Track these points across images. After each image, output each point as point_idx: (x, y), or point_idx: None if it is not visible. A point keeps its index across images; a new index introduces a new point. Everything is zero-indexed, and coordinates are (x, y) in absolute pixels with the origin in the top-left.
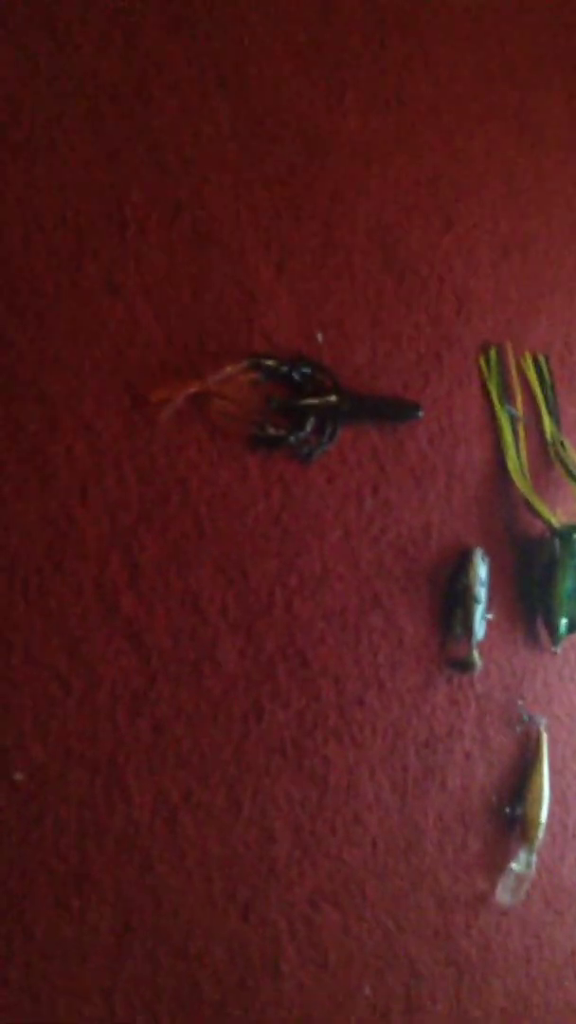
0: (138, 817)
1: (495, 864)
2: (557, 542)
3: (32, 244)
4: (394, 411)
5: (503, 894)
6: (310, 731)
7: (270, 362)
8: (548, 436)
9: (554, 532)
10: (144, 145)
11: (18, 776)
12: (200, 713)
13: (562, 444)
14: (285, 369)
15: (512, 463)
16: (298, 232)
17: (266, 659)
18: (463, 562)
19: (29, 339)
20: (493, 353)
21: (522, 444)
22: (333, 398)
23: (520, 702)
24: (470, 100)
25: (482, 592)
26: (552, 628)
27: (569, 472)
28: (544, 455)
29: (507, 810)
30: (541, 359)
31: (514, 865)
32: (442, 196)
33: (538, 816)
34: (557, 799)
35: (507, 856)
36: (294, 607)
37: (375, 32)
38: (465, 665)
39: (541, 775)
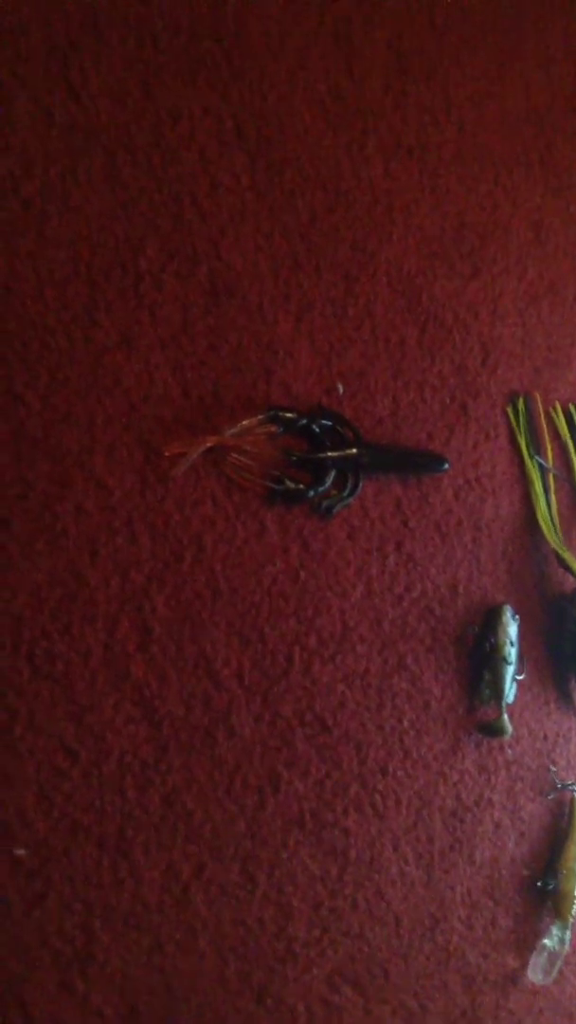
0: (147, 894)
1: (526, 941)
2: None
3: (45, 298)
4: (418, 463)
5: (535, 973)
6: (330, 802)
7: (289, 414)
8: None
9: None
10: (160, 197)
11: (20, 851)
12: (213, 783)
13: None
14: (304, 421)
15: (542, 516)
16: (318, 282)
17: (283, 725)
18: (492, 621)
19: (40, 395)
20: (521, 403)
21: (552, 497)
22: (354, 450)
23: (552, 768)
24: (495, 146)
25: (512, 652)
26: None
27: None
28: (575, 508)
29: (539, 883)
30: (572, 409)
31: (547, 941)
32: (467, 243)
33: (572, 890)
34: None
35: (539, 932)
36: (313, 670)
37: (397, 80)
38: (494, 730)
39: (575, 846)
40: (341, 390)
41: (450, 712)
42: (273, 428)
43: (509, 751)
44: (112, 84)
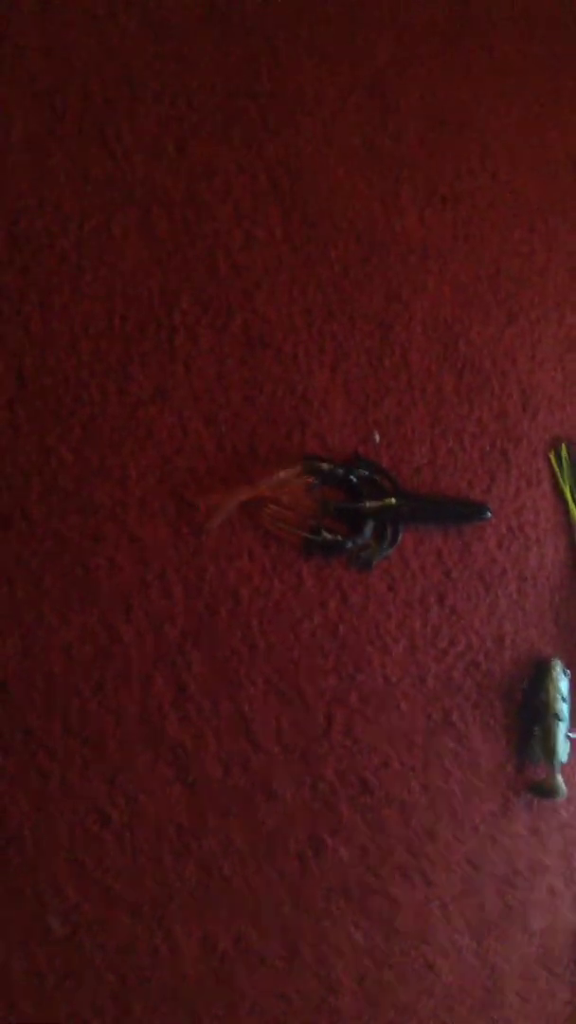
0: (184, 966)
1: None
2: None
3: (79, 351)
4: (459, 513)
5: None
6: (375, 868)
7: (325, 465)
8: None
9: None
10: (195, 251)
11: (53, 921)
12: (252, 850)
13: None
14: (341, 471)
15: None
16: (353, 332)
17: (325, 788)
18: (541, 675)
19: (73, 448)
20: (564, 449)
21: None
22: (393, 500)
23: None
24: (530, 193)
25: (564, 708)
26: None
27: None
28: None
29: None
30: None
31: None
32: (503, 290)
33: None
34: None
35: None
36: (355, 729)
37: (431, 131)
38: (547, 790)
39: None
40: (377, 439)
41: (499, 772)
42: (309, 479)
43: (563, 812)
44: (147, 141)
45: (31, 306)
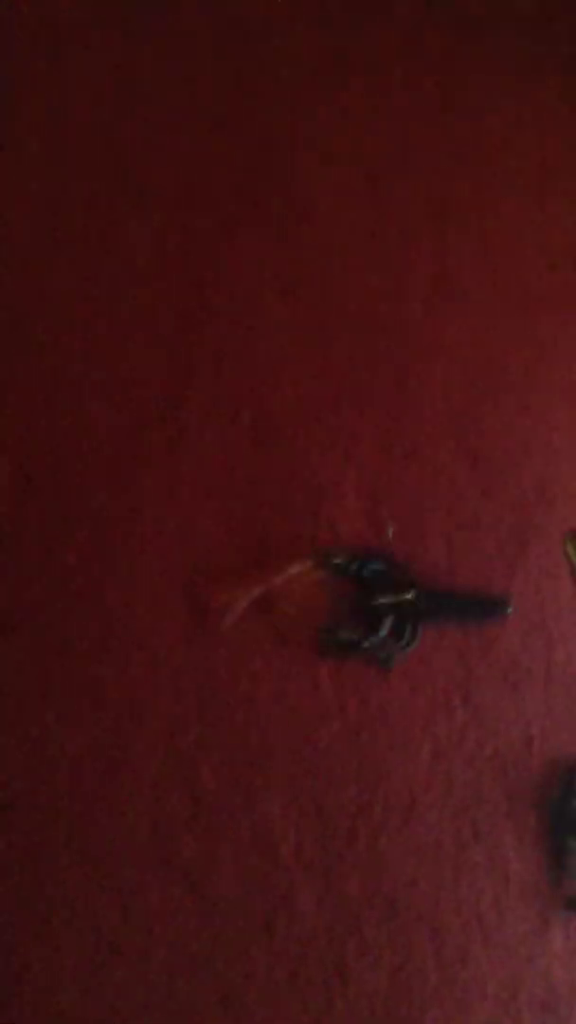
0: None
1: None
2: None
3: (85, 453)
4: (479, 608)
5: None
6: (405, 994)
7: (338, 559)
8: None
9: None
10: (201, 348)
11: None
12: (273, 978)
13: None
14: (355, 566)
15: None
16: (363, 422)
17: (350, 908)
18: (572, 780)
19: (80, 549)
20: None
21: None
22: (409, 596)
23: None
24: (532, 283)
25: None
26: None
27: None
28: None
29: None
30: None
31: None
32: (514, 380)
33: None
34: None
35: None
36: (379, 843)
37: (432, 222)
38: None
39: None
40: (391, 531)
41: (534, 887)
42: (323, 574)
43: None
44: (152, 243)
45: (37, 406)
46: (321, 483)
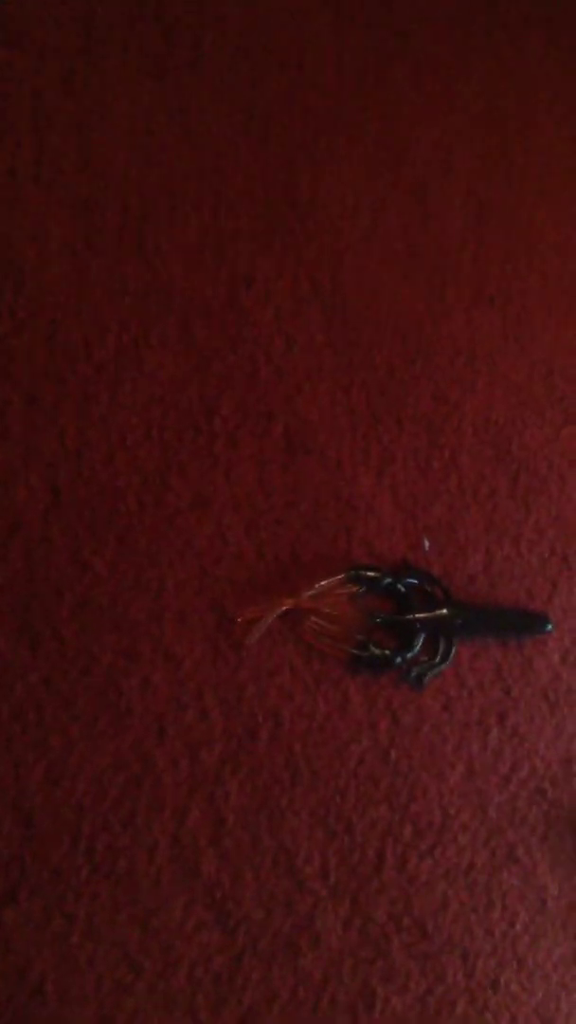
0: None
1: None
2: None
3: (115, 462)
4: (518, 624)
5: None
6: (433, 1020)
7: (372, 573)
8: None
9: None
10: (235, 357)
11: None
12: (297, 1001)
13: None
14: (389, 580)
15: None
16: (400, 435)
17: (377, 931)
18: None
19: (108, 562)
20: None
21: None
22: (445, 611)
23: None
24: None
25: None
26: None
27: None
28: None
29: None
30: None
31: None
32: (557, 390)
33: None
34: None
35: None
36: (409, 866)
37: (475, 230)
38: None
39: None
40: (427, 546)
41: (570, 912)
42: (355, 588)
43: None
44: (185, 250)
45: (67, 417)
46: (355, 497)
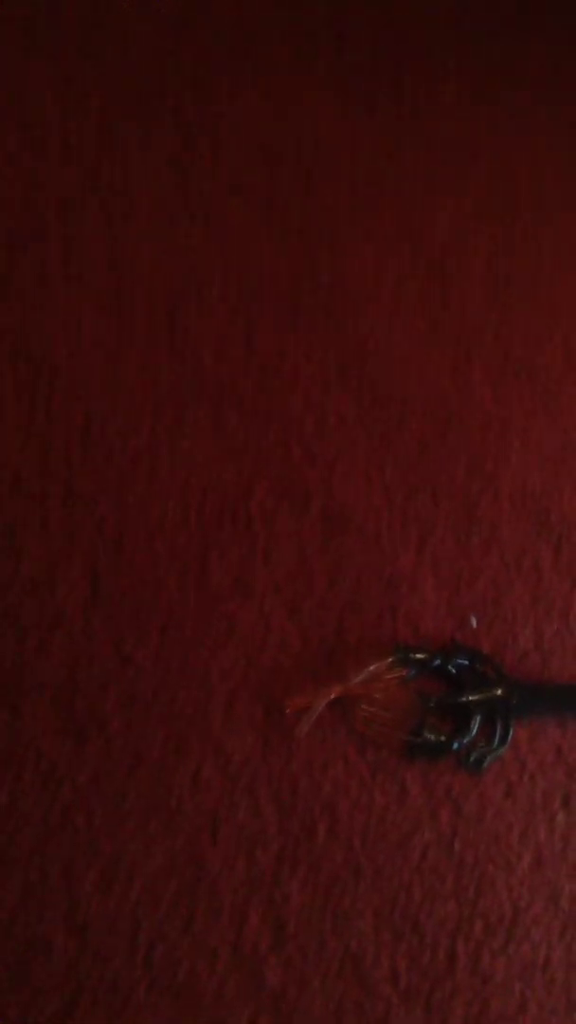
0: None
1: None
2: None
3: (155, 549)
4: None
5: None
6: None
7: (420, 654)
8: None
9: None
10: (268, 440)
11: None
12: None
13: None
14: (438, 661)
15: None
16: (436, 510)
17: None
18: None
19: (151, 653)
20: None
21: None
22: (499, 691)
23: None
24: None
25: None
26: None
27: None
28: None
29: None
30: None
31: None
32: None
33: None
34: None
35: None
36: (482, 964)
37: (496, 304)
38: None
39: None
40: (475, 623)
41: None
42: (403, 671)
43: None
44: (214, 338)
45: (105, 508)
46: (396, 575)
